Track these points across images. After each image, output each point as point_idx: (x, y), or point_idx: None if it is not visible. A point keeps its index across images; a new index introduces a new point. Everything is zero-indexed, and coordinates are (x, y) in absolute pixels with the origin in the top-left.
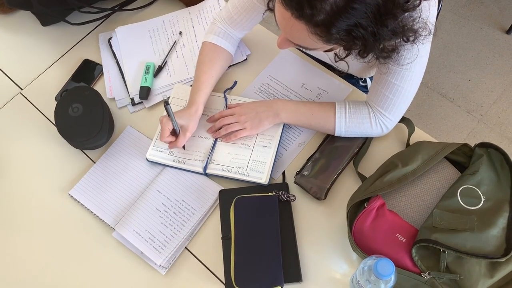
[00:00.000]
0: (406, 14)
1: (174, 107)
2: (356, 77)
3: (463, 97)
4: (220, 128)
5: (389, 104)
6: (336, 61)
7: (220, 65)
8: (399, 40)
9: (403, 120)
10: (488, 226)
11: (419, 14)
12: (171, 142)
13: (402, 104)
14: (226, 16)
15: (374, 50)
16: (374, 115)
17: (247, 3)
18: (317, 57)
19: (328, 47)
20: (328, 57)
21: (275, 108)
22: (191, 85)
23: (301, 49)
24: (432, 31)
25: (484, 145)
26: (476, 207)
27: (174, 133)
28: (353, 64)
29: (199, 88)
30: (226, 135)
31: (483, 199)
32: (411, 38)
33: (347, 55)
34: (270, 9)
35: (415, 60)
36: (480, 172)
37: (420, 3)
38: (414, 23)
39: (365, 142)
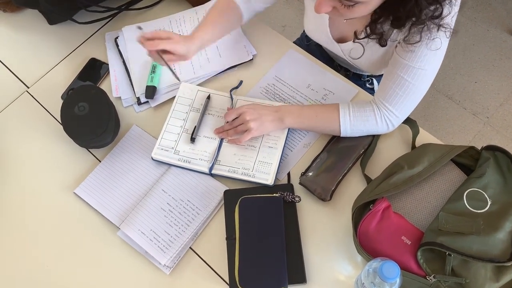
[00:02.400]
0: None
1: (180, 107)
2: (363, 78)
3: (469, 99)
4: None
5: (398, 101)
6: (354, 42)
7: (229, 21)
8: (435, 6)
9: (408, 121)
10: (494, 230)
11: (450, 8)
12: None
13: (410, 102)
14: None
15: (420, 2)
16: (379, 111)
17: None
18: (333, 51)
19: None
20: (343, 53)
21: (280, 114)
22: (197, 84)
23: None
24: (450, 33)
25: (491, 148)
26: (483, 211)
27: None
28: (370, 53)
29: (205, 25)
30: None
31: (489, 203)
32: (444, 15)
33: (369, 32)
34: None
35: (429, 60)
36: (487, 175)
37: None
38: (446, 11)
39: (371, 143)
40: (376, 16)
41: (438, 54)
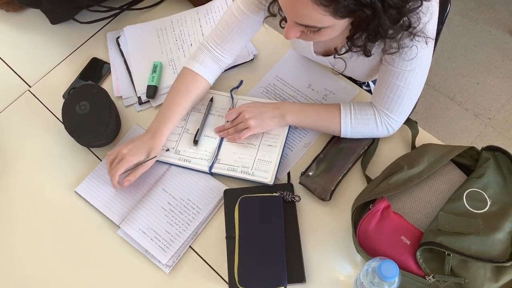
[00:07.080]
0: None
1: None
2: (359, 81)
3: (471, 100)
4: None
5: (394, 106)
6: (335, 58)
7: (196, 97)
8: (405, 18)
9: (407, 121)
10: (494, 230)
11: (419, 18)
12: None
13: (406, 105)
14: (216, 36)
15: (382, 23)
16: (379, 116)
17: (239, 15)
18: (321, 63)
19: (338, 23)
20: (330, 65)
21: (281, 111)
22: None
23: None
24: (428, 42)
25: (491, 149)
26: (482, 211)
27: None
28: (355, 66)
29: (169, 118)
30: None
31: (489, 203)
32: (414, 25)
33: (349, 47)
34: (271, 13)
35: (417, 62)
36: (487, 175)
37: (421, 4)
38: (415, 21)
39: (372, 144)
40: (351, 33)
41: (426, 53)
